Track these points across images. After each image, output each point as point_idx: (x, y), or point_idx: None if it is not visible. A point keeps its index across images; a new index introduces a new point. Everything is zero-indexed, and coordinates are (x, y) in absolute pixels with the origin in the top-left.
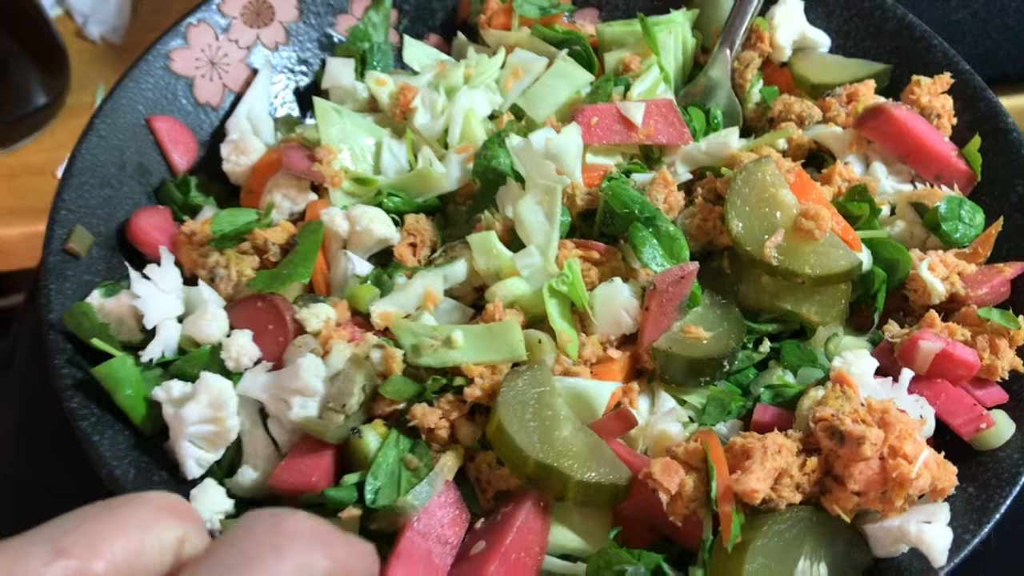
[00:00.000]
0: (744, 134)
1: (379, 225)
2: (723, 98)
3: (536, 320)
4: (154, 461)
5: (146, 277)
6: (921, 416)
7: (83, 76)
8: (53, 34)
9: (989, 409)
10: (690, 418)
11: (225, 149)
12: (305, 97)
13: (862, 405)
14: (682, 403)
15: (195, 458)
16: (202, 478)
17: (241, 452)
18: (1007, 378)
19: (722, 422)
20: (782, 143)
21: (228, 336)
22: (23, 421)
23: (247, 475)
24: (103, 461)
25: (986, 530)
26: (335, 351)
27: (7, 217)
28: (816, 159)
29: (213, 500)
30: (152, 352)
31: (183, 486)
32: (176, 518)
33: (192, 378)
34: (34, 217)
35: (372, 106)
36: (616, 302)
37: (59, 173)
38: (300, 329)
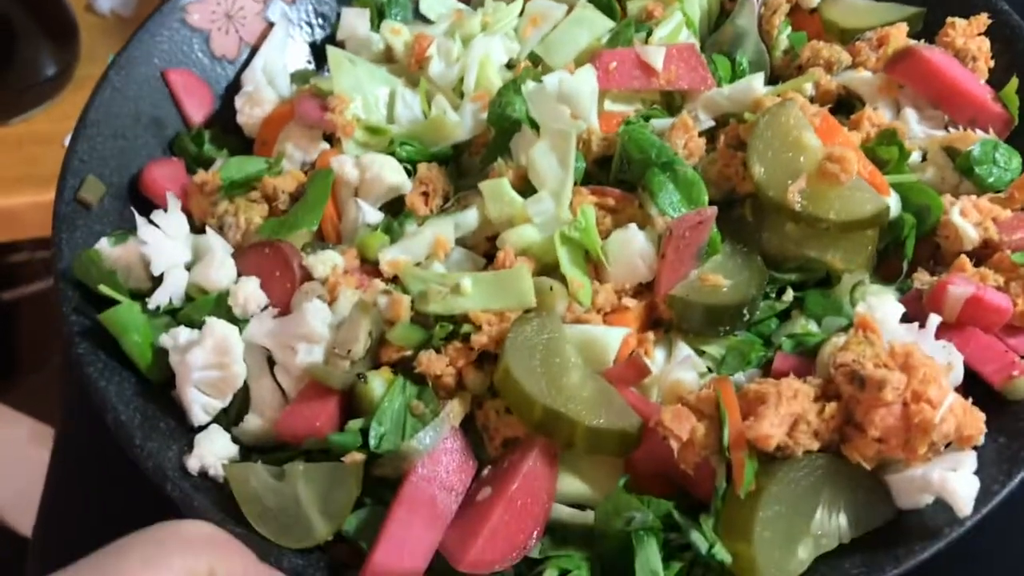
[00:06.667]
0: (771, 83)
1: (390, 172)
2: (750, 47)
3: (548, 268)
4: (160, 408)
5: (153, 223)
6: (949, 363)
7: (92, 49)
8: (64, 7)
9: (1022, 358)
10: (708, 368)
11: (239, 101)
12: (322, 51)
13: (885, 349)
14: (700, 353)
15: (201, 404)
16: (208, 426)
17: (248, 400)
18: None
19: (741, 372)
20: (809, 89)
21: (236, 283)
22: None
23: (253, 422)
24: (109, 406)
25: (1016, 480)
26: (342, 297)
27: (15, 185)
28: (845, 107)
29: (218, 446)
30: (159, 299)
31: (190, 433)
32: (206, 550)
33: (200, 325)
34: (42, 186)
35: (388, 56)
36: (631, 249)
37: (67, 142)
38: (307, 276)
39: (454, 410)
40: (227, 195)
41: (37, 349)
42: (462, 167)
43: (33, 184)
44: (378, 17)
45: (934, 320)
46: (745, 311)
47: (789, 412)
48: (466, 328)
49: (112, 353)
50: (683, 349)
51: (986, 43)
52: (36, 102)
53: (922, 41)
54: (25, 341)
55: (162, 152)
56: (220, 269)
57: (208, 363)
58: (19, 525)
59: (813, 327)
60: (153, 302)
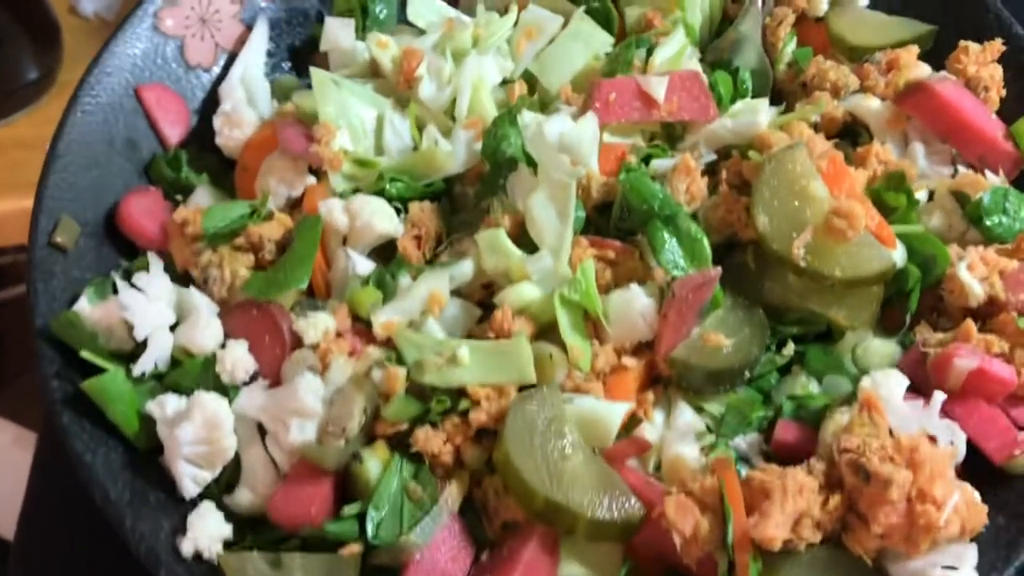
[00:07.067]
0: (774, 97)
1: (381, 219)
2: (752, 56)
3: (547, 327)
4: (149, 480)
5: (134, 286)
6: (952, 443)
7: (76, 52)
8: (46, 9)
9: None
10: (708, 427)
11: (217, 122)
12: (303, 55)
13: (890, 433)
14: (699, 410)
15: (191, 477)
16: (200, 496)
17: (240, 467)
18: None
19: (741, 435)
20: (814, 116)
21: (223, 346)
22: None
23: (244, 496)
24: (97, 483)
25: (1014, 566)
26: (335, 367)
27: None
28: (851, 131)
29: (211, 525)
30: (144, 365)
31: (180, 505)
32: None
33: (187, 391)
34: (25, 192)
35: (374, 70)
36: (632, 309)
37: None
38: (298, 340)
39: (452, 495)
40: (210, 244)
41: (24, 352)
42: (455, 200)
43: (16, 190)
44: (362, 15)
45: (938, 399)
46: (746, 372)
47: (795, 510)
48: (464, 403)
49: (96, 420)
50: (683, 411)
51: (999, 71)
52: (18, 106)
53: (939, 72)
54: (12, 343)
55: (138, 178)
56: (206, 331)
57: (198, 438)
58: (2, 528)
59: (814, 386)
60: (138, 369)
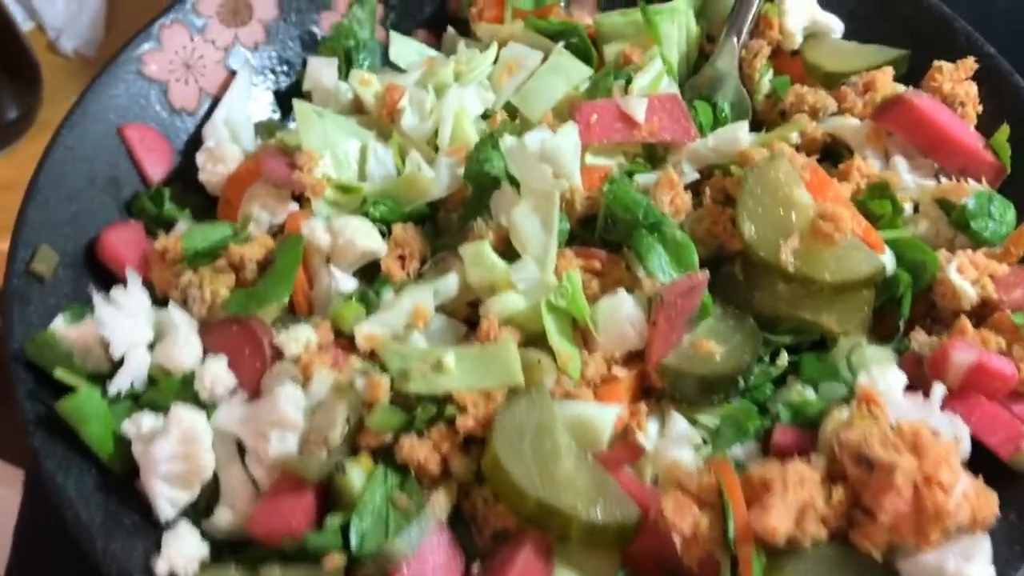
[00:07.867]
0: (754, 128)
1: (363, 237)
2: (731, 90)
3: (534, 338)
4: (124, 502)
5: (111, 301)
6: (956, 437)
7: (56, 91)
8: (25, 47)
9: None
10: (703, 440)
11: (201, 157)
12: (287, 100)
13: (891, 427)
14: (694, 422)
15: (168, 498)
16: (177, 519)
17: (218, 490)
18: None
19: (738, 444)
20: (795, 137)
21: (202, 363)
22: None
23: (223, 516)
24: (68, 503)
25: None
26: (316, 378)
27: None
28: (832, 154)
29: (187, 545)
30: (120, 383)
31: (156, 529)
32: None
33: (164, 410)
34: (3, 234)
35: (357, 107)
36: (620, 316)
37: None
38: (279, 354)
39: (439, 503)
40: (191, 265)
41: (3, 385)
42: (439, 225)
43: None
44: (346, 64)
45: (939, 391)
46: (740, 379)
47: (797, 500)
48: (450, 410)
49: (71, 442)
50: (677, 421)
51: (973, 88)
52: None
53: (910, 87)
54: None
55: (119, 214)
56: (184, 348)
57: (174, 454)
58: None
59: (810, 393)
60: (113, 387)
